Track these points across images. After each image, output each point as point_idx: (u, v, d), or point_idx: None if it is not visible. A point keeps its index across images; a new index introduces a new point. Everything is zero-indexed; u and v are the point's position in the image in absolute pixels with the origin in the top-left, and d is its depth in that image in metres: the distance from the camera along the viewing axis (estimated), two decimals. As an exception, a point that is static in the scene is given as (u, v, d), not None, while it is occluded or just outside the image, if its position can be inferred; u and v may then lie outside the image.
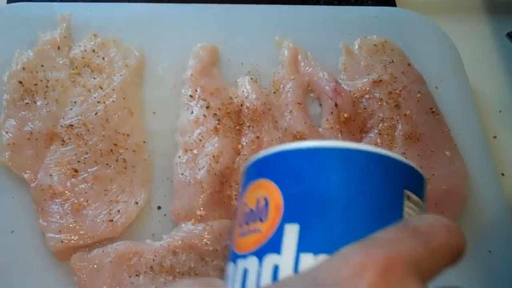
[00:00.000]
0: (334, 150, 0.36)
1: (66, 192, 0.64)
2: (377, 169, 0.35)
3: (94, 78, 0.72)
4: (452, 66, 0.82)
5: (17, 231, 0.64)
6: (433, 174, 0.70)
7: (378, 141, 0.72)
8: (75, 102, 0.69)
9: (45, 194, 0.64)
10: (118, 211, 0.64)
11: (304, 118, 0.73)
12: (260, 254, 0.34)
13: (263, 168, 0.37)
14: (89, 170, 0.66)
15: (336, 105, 0.73)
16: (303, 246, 0.33)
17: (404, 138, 0.72)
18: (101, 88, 0.71)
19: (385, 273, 0.29)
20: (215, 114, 0.71)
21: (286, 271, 0.33)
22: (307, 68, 0.77)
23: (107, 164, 0.66)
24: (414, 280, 0.30)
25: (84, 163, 0.66)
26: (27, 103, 0.69)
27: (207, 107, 0.71)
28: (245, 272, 0.35)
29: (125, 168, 0.67)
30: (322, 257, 0.32)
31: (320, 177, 0.35)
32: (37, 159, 0.66)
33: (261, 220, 0.35)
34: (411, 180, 0.37)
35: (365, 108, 0.75)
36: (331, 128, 0.72)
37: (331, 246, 0.32)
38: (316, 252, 0.33)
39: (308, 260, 0.33)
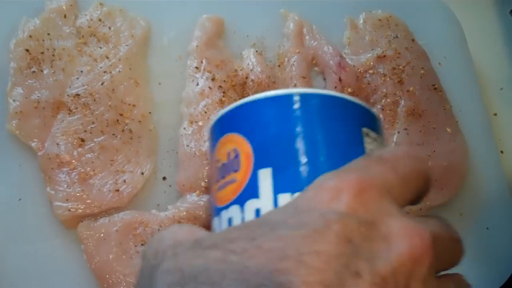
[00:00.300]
0: (294, 96, 0.37)
1: (73, 161, 0.65)
2: (335, 110, 0.38)
3: (100, 47, 0.72)
4: (455, 43, 0.82)
5: (25, 199, 0.65)
6: (434, 151, 0.71)
7: (381, 117, 0.73)
8: (81, 71, 0.70)
9: (52, 163, 0.65)
10: (124, 181, 0.65)
11: (308, 92, 0.73)
12: (240, 201, 0.35)
13: (228, 124, 0.39)
14: (95, 140, 0.66)
15: (340, 79, 0.74)
16: (279, 187, 0.35)
17: (407, 114, 0.73)
18: (107, 58, 0.71)
19: (360, 195, 0.30)
20: (220, 86, 0.71)
21: None
22: (312, 42, 0.77)
23: (113, 134, 0.67)
24: (388, 201, 0.31)
25: (91, 133, 0.67)
26: (34, 72, 0.69)
27: (213, 79, 0.71)
28: (230, 221, 0.36)
29: (131, 138, 0.68)
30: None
31: (284, 122, 0.36)
32: (44, 127, 0.67)
33: (235, 171, 0.36)
34: (367, 119, 0.39)
35: (368, 83, 0.75)
36: (335, 102, 0.73)
37: (305, 184, 0.33)
38: (293, 191, 0.34)
39: (286, 199, 0.34)
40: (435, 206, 0.70)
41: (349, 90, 0.74)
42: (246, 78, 0.73)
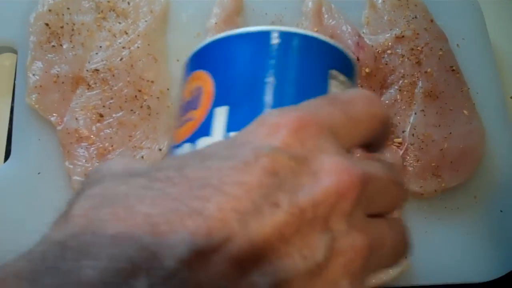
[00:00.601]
0: (259, 33, 0.37)
1: (92, 136, 0.66)
2: (301, 49, 0.36)
3: (119, 23, 0.72)
4: (474, 24, 0.82)
5: (44, 173, 0.66)
6: (450, 133, 0.72)
7: (398, 98, 0.73)
8: (100, 46, 0.70)
9: (71, 138, 0.65)
10: (142, 157, 0.66)
11: (325, 71, 0.73)
12: (193, 139, 0.35)
13: (196, 61, 0.38)
14: (114, 115, 0.67)
15: (358, 59, 0.74)
16: (231, 126, 0.34)
17: (424, 95, 0.73)
18: (126, 33, 0.71)
19: (297, 131, 0.30)
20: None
21: None
22: (331, 20, 0.77)
23: (131, 110, 0.67)
24: (327, 140, 0.31)
25: (109, 108, 0.67)
26: (53, 46, 0.69)
27: (231, 57, 0.71)
28: None
29: (149, 114, 0.68)
30: None
31: (247, 60, 0.36)
32: (64, 102, 0.67)
33: (194, 108, 0.36)
34: (338, 61, 0.38)
35: (386, 64, 0.75)
36: (352, 82, 0.73)
37: None
38: None
39: None
40: (450, 187, 0.70)
41: (367, 70, 0.74)
42: (264, 56, 0.73)
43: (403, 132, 0.72)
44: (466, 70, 0.77)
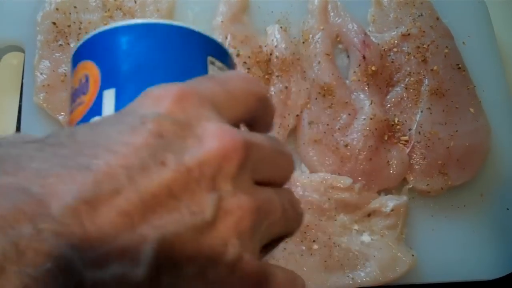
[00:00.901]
0: (142, 25, 0.39)
1: (99, 135, 0.66)
2: (181, 40, 0.40)
3: (126, 21, 0.72)
4: (480, 22, 0.82)
5: (52, 171, 0.66)
6: (457, 131, 0.72)
7: (404, 96, 0.73)
8: (107, 45, 0.70)
9: (79, 136, 0.65)
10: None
11: (331, 69, 0.74)
12: (85, 119, 0.37)
13: (81, 53, 0.40)
14: (121, 114, 0.67)
15: (364, 57, 0.74)
16: (120, 104, 0.36)
17: (430, 93, 0.73)
18: (133, 32, 0.71)
19: (180, 100, 0.31)
20: (244, 62, 0.71)
21: None
22: (337, 18, 0.77)
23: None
24: (209, 109, 0.32)
25: (117, 107, 0.67)
26: (60, 45, 0.69)
27: (237, 55, 0.71)
28: None
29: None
30: None
31: (130, 49, 0.39)
32: (71, 101, 0.67)
33: (83, 93, 0.38)
34: (213, 49, 0.41)
35: (392, 62, 0.75)
36: (358, 80, 0.73)
37: None
38: None
39: None
40: (456, 185, 0.71)
41: (373, 68, 0.74)
42: (271, 54, 0.73)
43: (409, 130, 0.72)
44: (472, 68, 0.77)
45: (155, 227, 0.27)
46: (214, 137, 0.30)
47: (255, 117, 0.38)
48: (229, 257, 0.29)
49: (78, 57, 0.40)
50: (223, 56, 0.42)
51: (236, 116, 0.35)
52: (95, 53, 0.39)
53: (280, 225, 0.35)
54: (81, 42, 0.41)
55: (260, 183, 0.34)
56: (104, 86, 0.37)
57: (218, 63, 0.41)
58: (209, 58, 0.40)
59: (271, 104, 0.39)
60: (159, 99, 0.31)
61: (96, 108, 0.37)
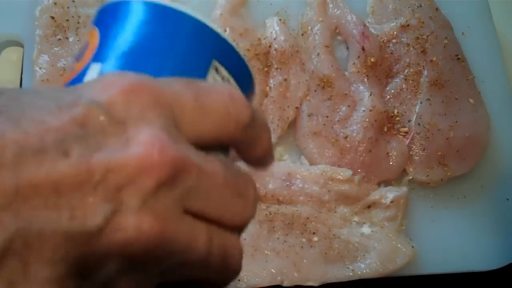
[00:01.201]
0: (150, 4, 0.36)
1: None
2: (188, 30, 0.36)
3: (125, 15, 0.72)
4: (479, 12, 0.82)
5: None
6: (456, 122, 0.72)
7: (404, 87, 0.73)
8: (106, 39, 0.70)
9: (79, 131, 0.66)
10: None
11: (331, 61, 0.74)
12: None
13: (96, 18, 0.38)
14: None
15: (363, 49, 0.74)
16: None
17: (429, 84, 0.73)
18: (132, 25, 0.71)
19: (128, 94, 0.28)
20: (244, 55, 0.71)
21: None
22: (335, 10, 0.77)
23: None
24: (159, 114, 0.28)
25: (116, 101, 0.67)
26: (59, 39, 0.69)
27: (236, 48, 0.71)
28: None
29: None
30: None
31: (131, 27, 0.36)
32: (70, 95, 0.67)
33: (78, 60, 0.36)
34: (225, 56, 0.37)
35: (391, 53, 0.75)
36: (358, 72, 0.73)
37: None
38: None
39: None
40: (456, 176, 0.71)
41: (372, 59, 0.74)
42: (270, 47, 0.73)
43: (409, 121, 0.72)
44: (472, 58, 0.77)
45: (19, 217, 0.24)
46: (142, 144, 0.27)
47: (240, 144, 0.33)
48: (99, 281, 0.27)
49: (94, 20, 0.38)
50: (236, 67, 0.38)
51: (201, 136, 0.31)
52: (103, 22, 0.37)
53: (195, 269, 0.30)
54: (100, 7, 0.39)
55: (199, 217, 0.29)
56: (95, 58, 0.35)
57: (223, 72, 0.37)
58: (214, 62, 0.36)
59: (262, 134, 0.34)
60: (109, 86, 0.28)
61: (79, 79, 0.34)
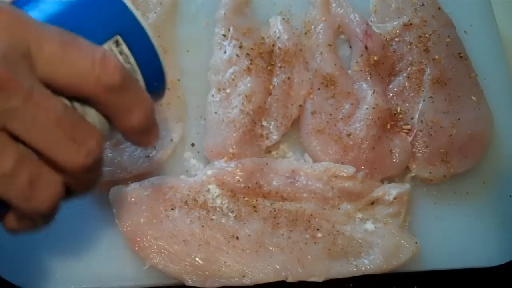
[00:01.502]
0: None
1: (104, 127, 0.66)
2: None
3: (129, 15, 0.73)
4: (481, 11, 0.82)
5: (58, 164, 0.66)
6: (459, 119, 0.72)
7: (406, 85, 0.74)
8: (111, 38, 0.71)
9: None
10: (154, 147, 0.67)
11: (334, 60, 0.74)
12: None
13: None
14: (125, 106, 0.68)
15: (366, 47, 0.74)
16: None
17: (432, 82, 0.74)
18: (136, 25, 0.72)
19: None
20: (247, 54, 0.72)
21: None
22: (339, 9, 0.78)
23: (143, 100, 0.68)
24: (7, 40, 0.30)
25: (121, 100, 0.68)
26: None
27: (240, 47, 0.72)
28: None
29: (160, 105, 0.69)
30: None
31: None
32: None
33: None
34: (134, 38, 0.38)
35: (394, 51, 0.76)
36: (361, 70, 0.74)
37: None
38: None
39: None
40: (459, 173, 0.71)
41: (375, 58, 0.74)
42: (273, 46, 0.74)
43: (411, 119, 0.72)
44: (474, 56, 0.77)
45: None
46: None
47: (110, 108, 0.34)
48: None
49: None
50: (142, 52, 0.39)
51: (55, 79, 0.32)
52: None
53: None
54: None
55: (20, 141, 0.31)
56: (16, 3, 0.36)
57: (124, 48, 0.38)
58: (117, 37, 0.37)
59: (135, 105, 0.35)
60: None
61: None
